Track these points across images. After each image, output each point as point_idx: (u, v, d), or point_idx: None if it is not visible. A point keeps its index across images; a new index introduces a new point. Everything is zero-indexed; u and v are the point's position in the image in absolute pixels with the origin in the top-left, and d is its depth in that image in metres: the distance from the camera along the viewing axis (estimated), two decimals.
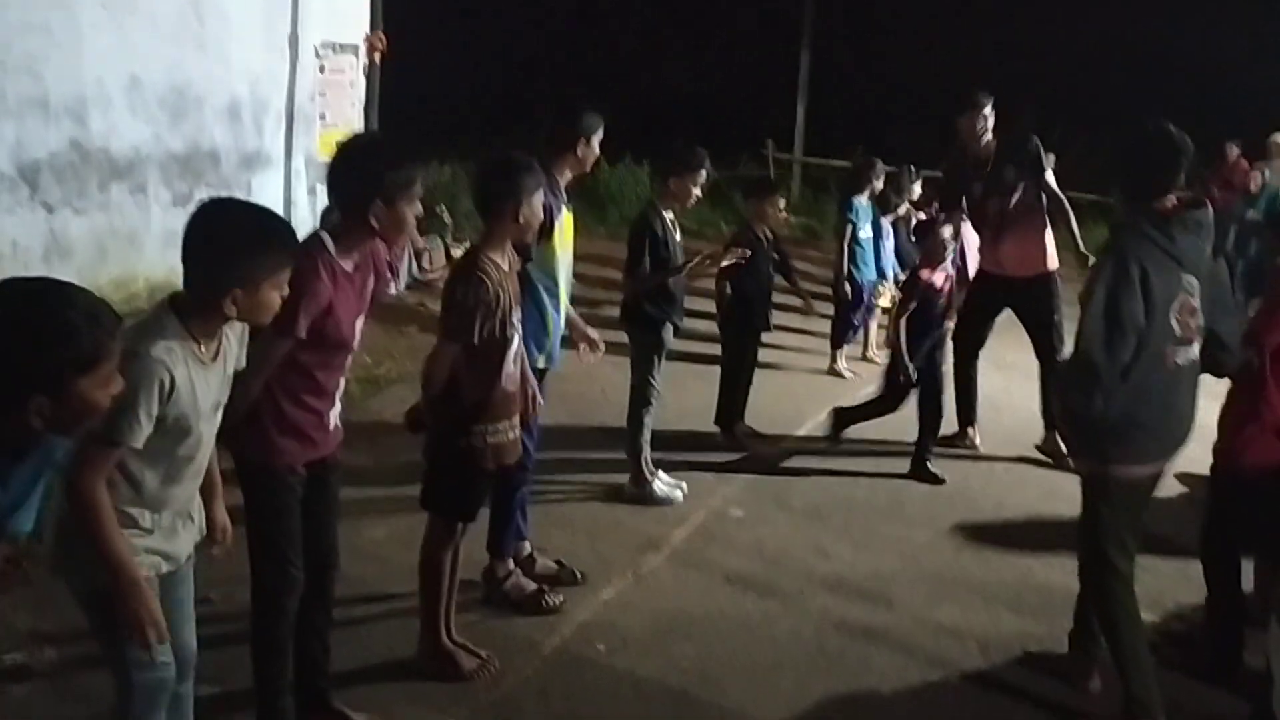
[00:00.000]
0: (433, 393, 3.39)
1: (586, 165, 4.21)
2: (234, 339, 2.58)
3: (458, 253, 4.76)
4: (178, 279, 2.47)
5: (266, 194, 8.64)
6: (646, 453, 5.24)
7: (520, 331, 3.51)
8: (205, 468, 2.60)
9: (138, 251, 7.33)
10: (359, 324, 3.04)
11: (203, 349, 2.43)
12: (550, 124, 4.17)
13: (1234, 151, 11.75)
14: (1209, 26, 19.37)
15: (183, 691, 2.71)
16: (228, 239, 2.39)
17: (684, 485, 5.39)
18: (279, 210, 8.79)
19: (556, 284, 4.07)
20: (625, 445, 5.26)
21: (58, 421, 1.90)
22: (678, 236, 5.16)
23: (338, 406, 3.07)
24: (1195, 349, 3.45)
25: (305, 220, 8.88)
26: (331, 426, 3.06)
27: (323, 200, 9.10)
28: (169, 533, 2.51)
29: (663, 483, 5.32)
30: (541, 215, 3.52)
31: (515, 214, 3.39)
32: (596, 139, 4.18)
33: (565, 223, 4.10)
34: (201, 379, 2.43)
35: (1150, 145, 3.48)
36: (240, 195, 8.29)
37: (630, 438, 5.22)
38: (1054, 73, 19.95)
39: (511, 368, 3.49)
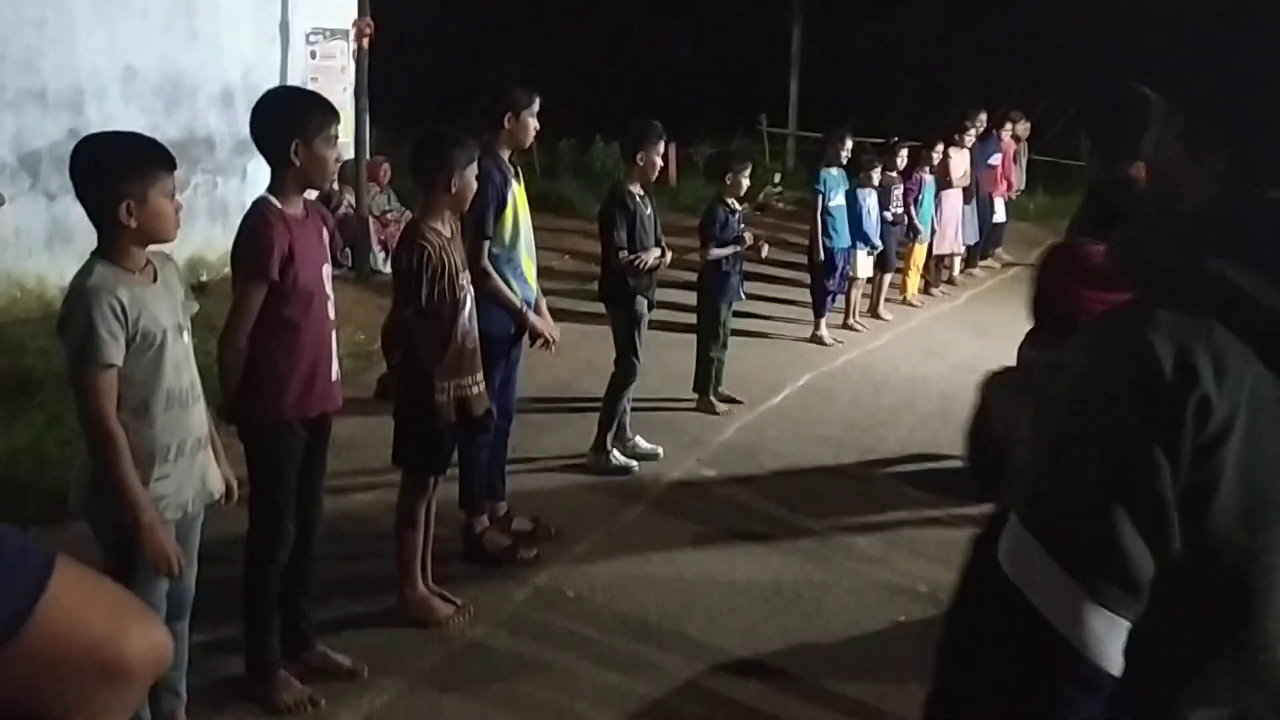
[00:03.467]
0: (393, 356, 3.64)
1: (521, 139, 4.33)
2: (171, 272, 2.80)
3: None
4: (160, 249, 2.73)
5: (261, 178, 8.78)
6: (615, 427, 5.46)
7: (471, 293, 3.75)
8: (199, 397, 2.82)
9: None
10: (327, 271, 3.26)
11: (136, 274, 2.66)
12: (480, 101, 4.37)
13: None
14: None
15: (179, 629, 2.96)
16: (103, 159, 2.64)
17: (660, 450, 5.64)
18: None
19: (515, 255, 4.29)
20: (600, 413, 5.49)
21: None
22: (649, 210, 5.37)
23: (335, 361, 3.30)
24: None
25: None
26: (332, 379, 3.28)
27: None
28: (178, 484, 2.75)
29: (640, 446, 5.57)
30: (474, 186, 3.72)
31: (448, 185, 3.62)
32: (528, 113, 4.28)
33: (518, 195, 4.31)
34: (150, 297, 2.66)
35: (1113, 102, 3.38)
36: (235, 180, 8.57)
37: (604, 408, 5.46)
38: (1048, 42, 20.01)
39: (467, 325, 3.73)
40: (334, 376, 3.28)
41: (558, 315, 7.09)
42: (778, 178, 15.79)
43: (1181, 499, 1.19)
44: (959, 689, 1.40)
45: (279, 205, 3.11)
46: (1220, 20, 1.36)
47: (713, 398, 6.44)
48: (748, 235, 6.34)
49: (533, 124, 4.30)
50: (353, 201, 9.04)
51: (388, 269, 9.24)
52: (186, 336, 2.78)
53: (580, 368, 6.84)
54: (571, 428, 5.90)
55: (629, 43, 21.76)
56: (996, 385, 2.89)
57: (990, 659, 1.32)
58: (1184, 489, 1.19)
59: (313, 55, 9.18)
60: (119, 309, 2.55)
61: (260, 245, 3.01)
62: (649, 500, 5.11)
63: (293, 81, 8.98)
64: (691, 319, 7.40)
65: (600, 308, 5.65)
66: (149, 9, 7.64)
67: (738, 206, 6.51)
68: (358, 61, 9.08)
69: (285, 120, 3.10)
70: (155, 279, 2.71)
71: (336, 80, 9.47)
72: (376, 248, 9.11)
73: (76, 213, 7.73)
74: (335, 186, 8.85)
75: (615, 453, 5.44)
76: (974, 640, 1.35)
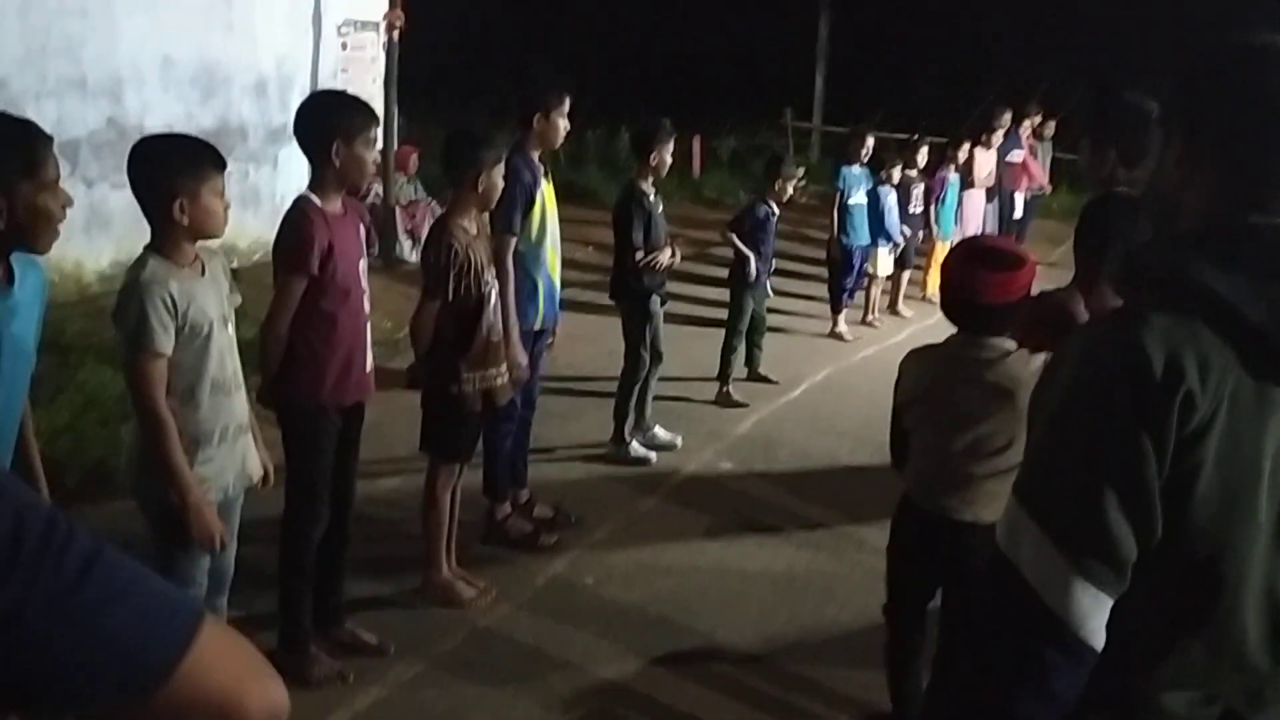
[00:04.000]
0: (421, 347, 3.79)
1: (551, 139, 4.43)
2: (217, 265, 2.95)
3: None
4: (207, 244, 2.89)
5: (292, 166, 9.04)
6: (632, 417, 5.61)
7: (496, 287, 3.89)
8: (241, 385, 2.98)
9: None
10: (363, 266, 3.43)
11: (186, 268, 2.81)
12: (513, 101, 4.48)
13: None
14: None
15: (218, 605, 3.12)
16: (159, 157, 2.79)
17: (679, 439, 5.78)
18: (304, 182, 9.21)
19: (540, 253, 4.42)
20: (614, 406, 5.63)
21: (16, 226, 2.24)
22: (659, 209, 5.48)
23: (369, 351, 3.46)
24: None
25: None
26: (367, 369, 3.45)
27: None
28: (220, 467, 2.91)
29: (659, 436, 5.70)
30: (500, 185, 3.86)
31: (475, 183, 3.76)
32: (558, 113, 4.38)
33: (546, 193, 4.44)
34: (199, 290, 2.81)
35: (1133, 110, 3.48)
36: (267, 168, 8.75)
37: (617, 401, 5.60)
38: (1078, 37, 19.93)
39: (492, 319, 3.87)
40: (368, 366, 3.43)
41: (580, 307, 7.31)
42: (801, 171, 15.82)
43: (1164, 487, 1.32)
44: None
45: (319, 203, 3.26)
46: (1218, 44, 1.47)
47: (730, 389, 6.60)
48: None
49: (563, 124, 4.41)
50: (380, 191, 9.20)
51: (414, 258, 9.43)
52: (231, 327, 2.93)
53: (603, 358, 6.96)
54: (592, 416, 6.04)
55: (654, 34, 21.81)
56: (908, 358, 3.04)
57: (980, 625, 1.45)
58: (1167, 478, 1.32)
59: (344, 46, 9.33)
60: (170, 301, 2.70)
61: (301, 241, 3.17)
62: (666, 491, 5.24)
63: (324, 72, 9.16)
64: (714, 312, 7.56)
65: None
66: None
67: (778, 209, 6.74)
68: (388, 53, 9.23)
69: (327, 121, 3.25)
70: (203, 272, 2.86)
71: (366, 71, 9.63)
72: (403, 236, 9.27)
73: (114, 199, 7.94)
74: None
75: (634, 443, 5.58)
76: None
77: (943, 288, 2.90)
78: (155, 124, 7.70)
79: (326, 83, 9.18)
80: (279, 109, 8.80)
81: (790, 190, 6.92)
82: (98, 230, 7.23)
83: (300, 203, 3.28)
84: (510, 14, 21.61)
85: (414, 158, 10.01)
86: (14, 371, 2.37)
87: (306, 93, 9.05)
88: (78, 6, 7.04)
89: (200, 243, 2.88)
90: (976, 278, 2.80)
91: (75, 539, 0.85)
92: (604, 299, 7.60)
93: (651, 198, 5.41)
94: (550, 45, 20.29)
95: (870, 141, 8.26)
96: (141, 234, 8.30)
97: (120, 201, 7.53)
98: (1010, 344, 2.85)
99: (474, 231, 3.82)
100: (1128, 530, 1.33)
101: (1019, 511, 1.39)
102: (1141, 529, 1.33)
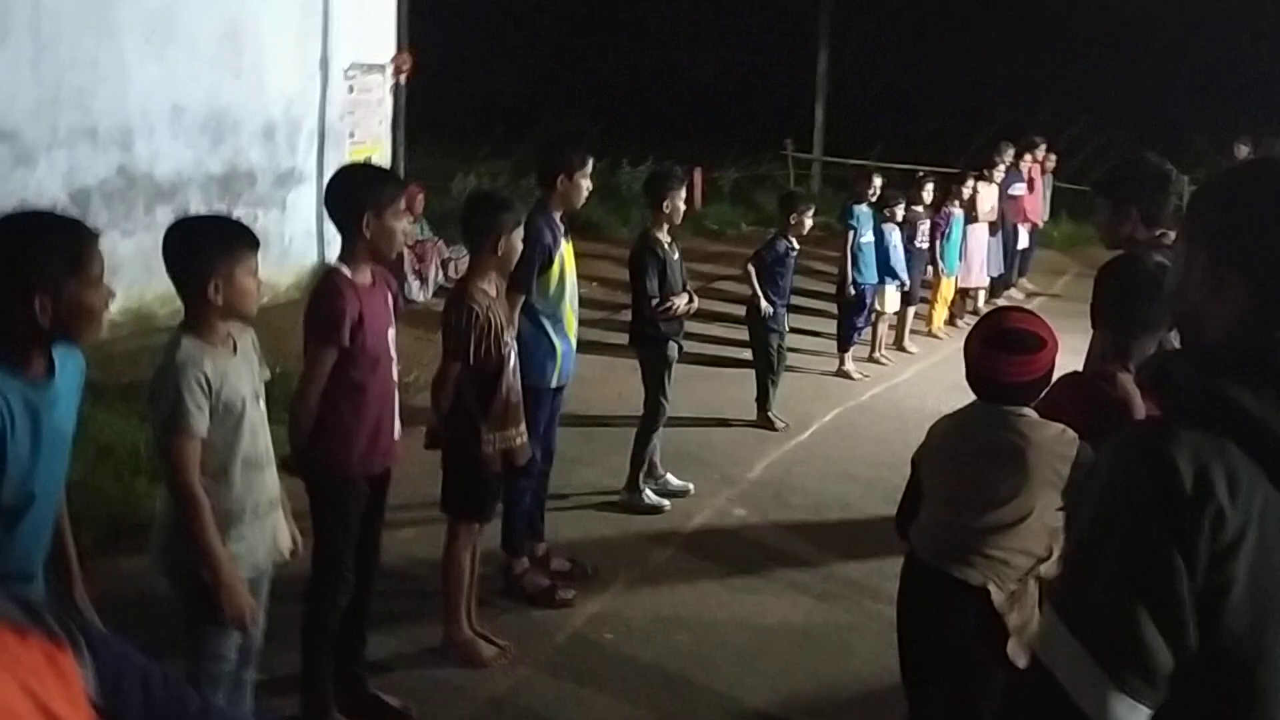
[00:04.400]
0: (443, 409, 3.81)
1: (574, 200, 4.50)
2: (247, 341, 2.99)
3: None
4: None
5: (300, 209, 9.13)
6: (647, 465, 5.62)
7: (515, 349, 3.93)
8: (272, 461, 3.00)
9: None
10: (391, 335, 3.47)
11: (219, 346, 2.84)
12: (536, 163, 4.55)
13: (1243, 150, 11.97)
14: (1221, 23, 19.43)
15: (244, 678, 3.13)
16: (194, 239, 2.83)
17: (691, 486, 5.79)
18: (312, 224, 9.29)
19: (558, 311, 4.46)
20: (631, 453, 5.65)
21: (60, 321, 2.29)
22: (675, 256, 5.53)
23: (397, 419, 3.49)
24: None
25: (337, 232, 9.34)
26: (395, 436, 3.48)
27: None
28: (252, 544, 2.93)
29: (671, 484, 5.72)
30: (519, 248, 3.90)
31: (495, 247, 3.81)
32: (581, 175, 4.46)
33: (566, 253, 4.48)
34: (231, 368, 2.84)
35: (1154, 172, 3.63)
36: (276, 212, 8.81)
37: (635, 449, 5.62)
38: (1075, 68, 20.09)
39: (511, 380, 3.90)
40: (395, 433, 3.45)
41: (587, 347, 7.31)
42: (810, 215, 15.91)
43: (1198, 600, 1.34)
44: None
45: (349, 274, 3.29)
46: (1245, 165, 1.50)
47: (771, 414, 6.96)
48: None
49: (585, 185, 4.46)
50: None
51: (421, 297, 9.48)
52: (262, 403, 2.95)
53: (611, 399, 7.00)
54: (603, 461, 6.05)
55: (656, 68, 21.98)
56: (934, 440, 3.05)
57: None
58: (1200, 591, 1.34)
59: (350, 89, 9.41)
60: (204, 381, 2.73)
61: (332, 313, 3.20)
62: (680, 540, 5.25)
63: (331, 115, 9.24)
64: (720, 350, 7.64)
65: (625, 338, 5.81)
66: (197, 44, 7.88)
67: (797, 245, 7.03)
68: (395, 95, 9.31)
69: (357, 194, 3.29)
70: (235, 350, 2.88)
71: (373, 113, 9.72)
72: (411, 277, 9.31)
73: (124, 247, 7.97)
74: None
75: (648, 491, 5.59)
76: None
77: (967, 366, 2.93)
78: (165, 171, 7.78)
79: (334, 126, 9.27)
80: (287, 153, 8.87)
81: (808, 224, 7.17)
82: (108, 278, 7.24)
83: (331, 275, 3.31)
84: (516, 50, 21.79)
85: (420, 197, 10.06)
86: (54, 459, 2.40)
87: (315, 136, 9.14)
88: (89, 57, 7.11)
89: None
90: (998, 361, 2.84)
91: (186, 691, 1.07)
92: (610, 338, 7.67)
93: (666, 245, 5.45)
94: (555, 80, 20.47)
95: (878, 181, 8.33)
96: (151, 281, 8.36)
97: (130, 249, 7.58)
98: (1028, 411, 2.88)
99: (493, 293, 3.85)
100: (1162, 643, 1.35)
101: (1056, 623, 1.42)
102: (1176, 642, 1.36)
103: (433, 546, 4.48)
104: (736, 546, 5.22)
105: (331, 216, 3.38)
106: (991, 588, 2.81)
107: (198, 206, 8.05)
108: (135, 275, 7.56)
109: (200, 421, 2.73)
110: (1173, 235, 3.64)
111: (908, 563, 3.08)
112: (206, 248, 2.78)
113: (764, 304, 6.87)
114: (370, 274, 3.37)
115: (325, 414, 3.27)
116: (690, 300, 5.53)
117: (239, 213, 8.40)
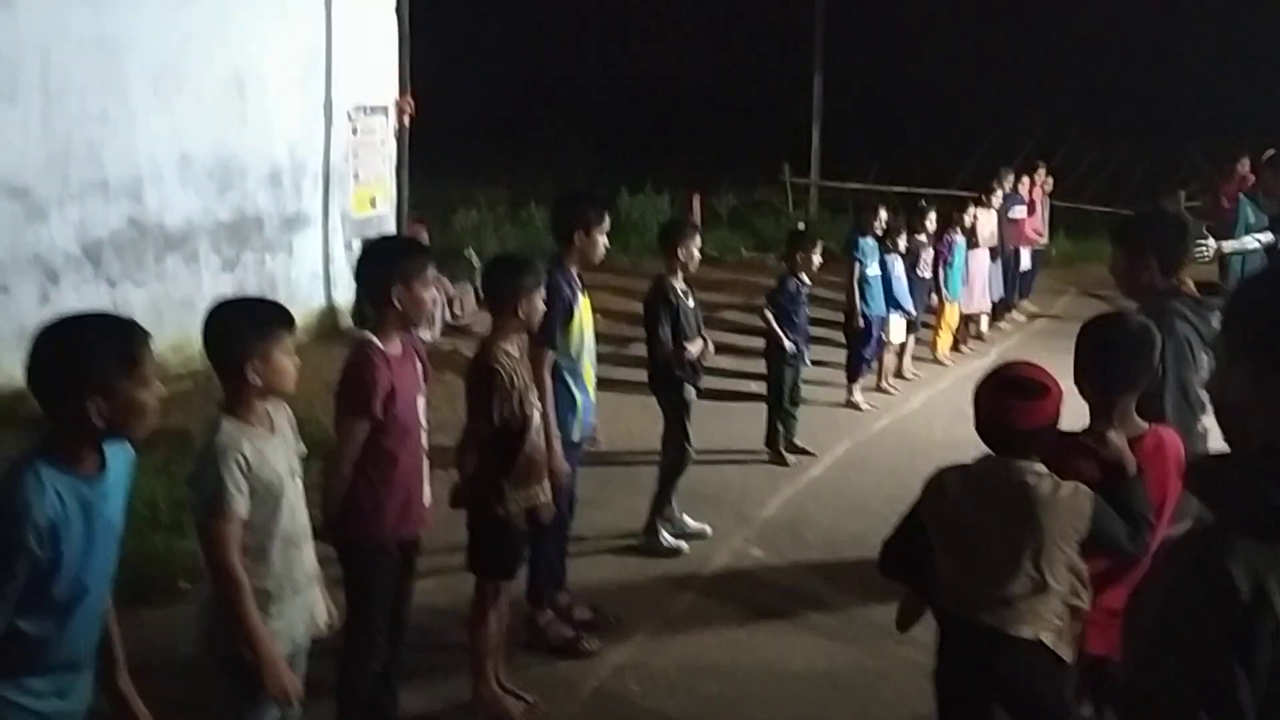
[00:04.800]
0: (467, 471, 3.85)
1: (591, 256, 4.54)
2: (283, 419, 3.03)
3: None
4: None
5: (306, 252, 9.17)
6: (668, 508, 5.66)
7: (539, 408, 3.97)
8: (309, 537, 3.04)
9: (193, 315, 7.71)
10: (421, 404, 3.51)
11: (257, 426, 2.88)
12: (552, 220, 4.61)
13: (1245, 165, 12.07)
14: (1215, 36, 19.57)
15: None
16: (231, 322, 2.88)
17: (708, 528, 5.82)
18: (319, 266, 9.34)
19: (578, 365, 4.51)
20: (652, 495, 5.68)
21: (114, 420, 2.33)
22: (690, 302, 5.58)
23: (427, 487, 3.52)
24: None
25: (343, 273, 9.39)
26: (425, 503, 3.52)
27: (357, 254, 9.62)
28: (291, 620, 2.96)
29: (688, 526, 5.75)
30: (541, 309, 3.94)
31: (516, 310, 3.85)
32: (598, 230, 4.52)
33: (583, 307, 4.53)
34: (269, 448, 2.89)
35: (1174, 223, 3.81)
36: (283, 255, 8.85)
37: (657, 493, 5.66)
38: (1068, 86, 20.23)
39: (535, 438, 3.94)
40: (426, 499, 3.49)
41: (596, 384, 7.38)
42: (801, 226, 16.02)
43: (1259, 709, 1.39)
44: None
45: (380, 345, 3.34)
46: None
47: (782, 450, 7.03)
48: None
49: (602, 241, 4.52)
50: None
51: (428, 337, 9.51)
52: (299, 480, 2.99)
53: (621, 437, 7.00)
54: (619, 503, 6.07)
55: (654, 95, 22.12)
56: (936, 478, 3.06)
57: None
58: (1262, 697, 1.38)
59: (354, 131, 9.48)
60: (244, 464, 2.77)
61: (365, 385, 3.25)
62: (700, 584, 5.28)
63: (335, 157, 9.30)
64: (727, 383, 7.72)
65: (633, 373, 5.85)
66: (203, 94, 7.94)
67: (808, 281, 7.16)
68: (398, 138, 9.37)
69: (385, 267, 3.35)
70: (273, 428, 2.92)
71: (377, 153, 9.78)
72: None
73: (135, 298, 8.01)
74: None
75: (665, 534, 5.63)
76: None
77: (977, 415, 2.98)
78: (175, 220, 7.82)
79: (338, 167, 9.33)
80: (293, 197, 8.93)
81: (817, 262, 7.23)
82: None
83: (363, 346, 3.36)
84: (514, 76, 21.92)
85: (424, 233, 10.12)
86: (105, 552, 2.43)
87: (320, 179, 9.20)
88: (98, 111, 7.16)
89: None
90: (1008, 406, 2.90)
91: None
92: (617, 373, 7.71)
93: (680, 292, 5.50)
94: (553, 109, 20.58)
95: (884, 214, 8.40)
96: (163, 330, 8.42)
97: (141, 299, 7.63)
98: (1039, 466, 2.93)
99: (516, 354, 3.90)
100: None
101: None
102: None
103: (453, 596, 4.53)
104: (756, 589, 5.25)
105: (360, 289, 3.43)
106: (1044, 636, 2.86)
107: (207, 254, 8.11)
108: (147, 325, 7.50)
109: (240, 504, 2.76)
110: (1190, 284, 3.72)
111: (945, 621, 3.09)
112: (243, 330, 2.83)
113: (788, 344, 7.00)
114: (400, 344, 3.41)
115: (357, 484, 3.31)
116: (705, 345, 5.58)
117: (246, 258, 8.47)
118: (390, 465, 3.34)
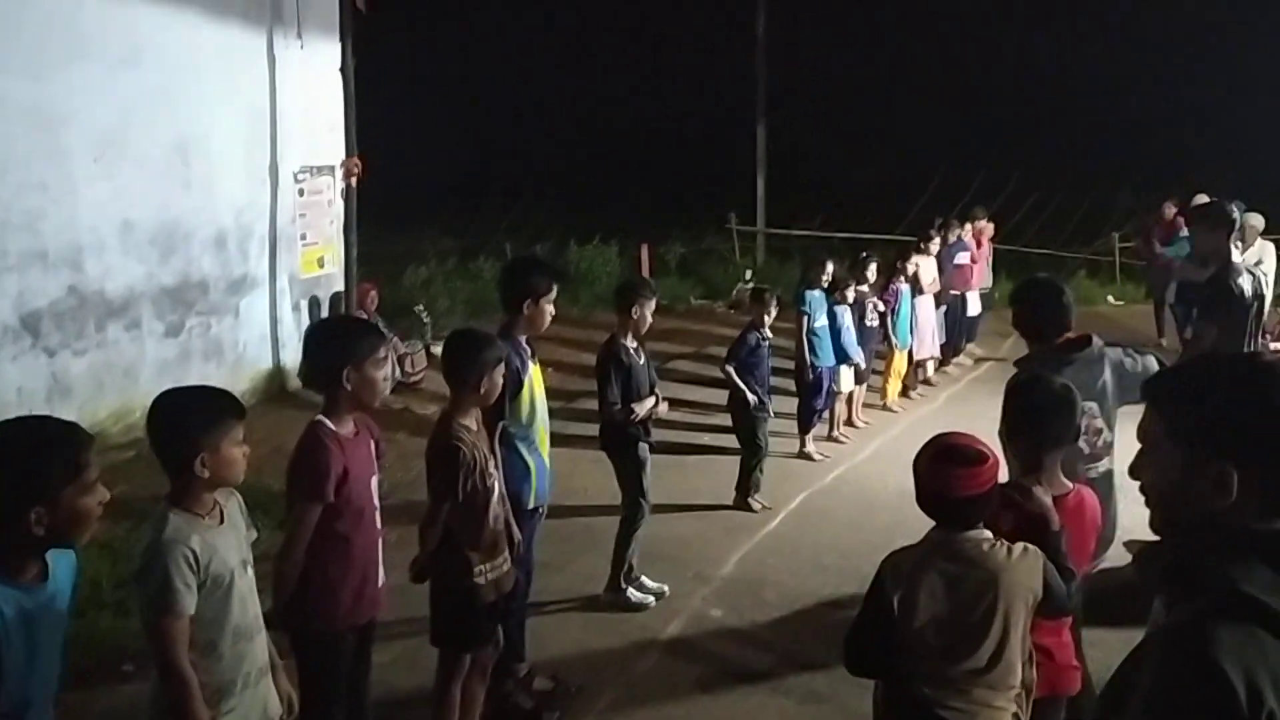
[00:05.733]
0: (431, 547, 3.80)
1: (538, 324, 4.54)
2: (234, 506, 2.97)
3: (437, 350, 5.12)
4: None
5: (254, 314, 9.08)
6: (628, 565, 5.63)
7: (500, 478, 3.94)
8: (262, 628, 2.97)
9: (134, 383, 7.70)
10: (374, 484, 3.46)
11: (205, 518, 2.82)
12: (500, 288, 4.62)
13: (1170, 210, 12.42)
14: (1148, 83, 20.22)
15: None
16: (179, 414, 2.82)
17: (666, 588, 5.79)
18: (266, 329, 9.24)
19: (532, 433, 4.49)
20: (612, 553, 5.65)
21: (56, 529, 2.27)
22: (641, 360, 5.58)
23: (381, 567, 3.47)
24: (1106, 462, 3.90)
25: (291, 335, 9.30)
26: (379, 584, 3.46)
27: (305, 318, 9.53)
28: (244, 715, 2.88)
29: (645, 585, 5.72)
30: (500, 384, 3.93)
31: (478, 385, 3.83)
32: (546, 300, 4.51)
33: (534, 376, 4.52)
34: (219, 540, 2.82)
35: (1050, 296, 4.09)
36: (229, 319, 8.75)
37: (616, 549, 5.63)
38: (1009, 135, 20.73)
39: (497, 510, 3.91)
40: (380, 581, 3.43)
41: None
42: (749, 274, 16.22)
43: None
44: None
45: (333, 427, 3.29)
46: (1261, 382, 1.60)
47: (751, 500, 7.17)
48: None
49: (549, 310, 4.51)
50: None
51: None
52: (250, 570, 2.92)
53: (574, 493, 6.96)
54: (575, 564, 6.03)
55: (600, 147, 22.31)
56: (894, 565, 2.98)
57: None
58: None
59: (300, 192, 9.43)
60: (192, 559, 2.70)
61: (317, 469, 3.20)
62: (661, 646, 5.24)
63: (282, 219, 9.24)
64: (681, 436, 7.73)
65: (586, 428, 5.83)
66: (147, 161, 7.86)
67: (769, 334, 7.38)
68: (345, 199, 9.33)
69: (336, 351, 3.31)
70: (222, 519, 2.86)
71: (324, 214, 9.74)
72: None
73: (75, 368, 7.84)
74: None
75: (630, 590, 5.60)
76: None
77: (917, 487, 2.97)
78: (116, 287, 7.70)
79: (285, 229, 9.27)
80: (239, 260, 8.84)
81: (773, 313, 7.51)
82: (59, 399, 7.15)
83: (314, 428, 3.31)
84: (460, 130, 22.00)
85: (373, 294, 10.07)
86: (49, 662, 2.36)
87: (266, 241, 9.13)
88: (38, 180, 7.06)
89: None
90: (948, 475, 2.89)
91: None
92: (570, 428, 7.69)
93: (632, 350, 5.51)
94: (501, 161, 20.68)
95: (830, 267, 8.51)
96: (103, 398, 8.27)
97: (81, 368, 7.49)
98: (987, 534, 2.93)
99: (475, 428, 3.87)
100: None
101: None
102: None
103: (411, 671, 4.45)
104: (717, 649, 5.22)
105: (313, 375, 3.39)
106: (1012, 707, 2.85)
107: (150, 319, 7.99)
108: (88, 394, 7.47)
109: (188, 600, 2.70)
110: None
111: (919, 705, 3.01)
112: (192, 423, 2.77)
113: (752, 398, 7.16)
114: (353, 424, 3.38)
115: (310, 569, 3.25)
116: (656, 403, 5.58)
117: (191, 323, 8.36)
118: (345, 548, 3.29)
